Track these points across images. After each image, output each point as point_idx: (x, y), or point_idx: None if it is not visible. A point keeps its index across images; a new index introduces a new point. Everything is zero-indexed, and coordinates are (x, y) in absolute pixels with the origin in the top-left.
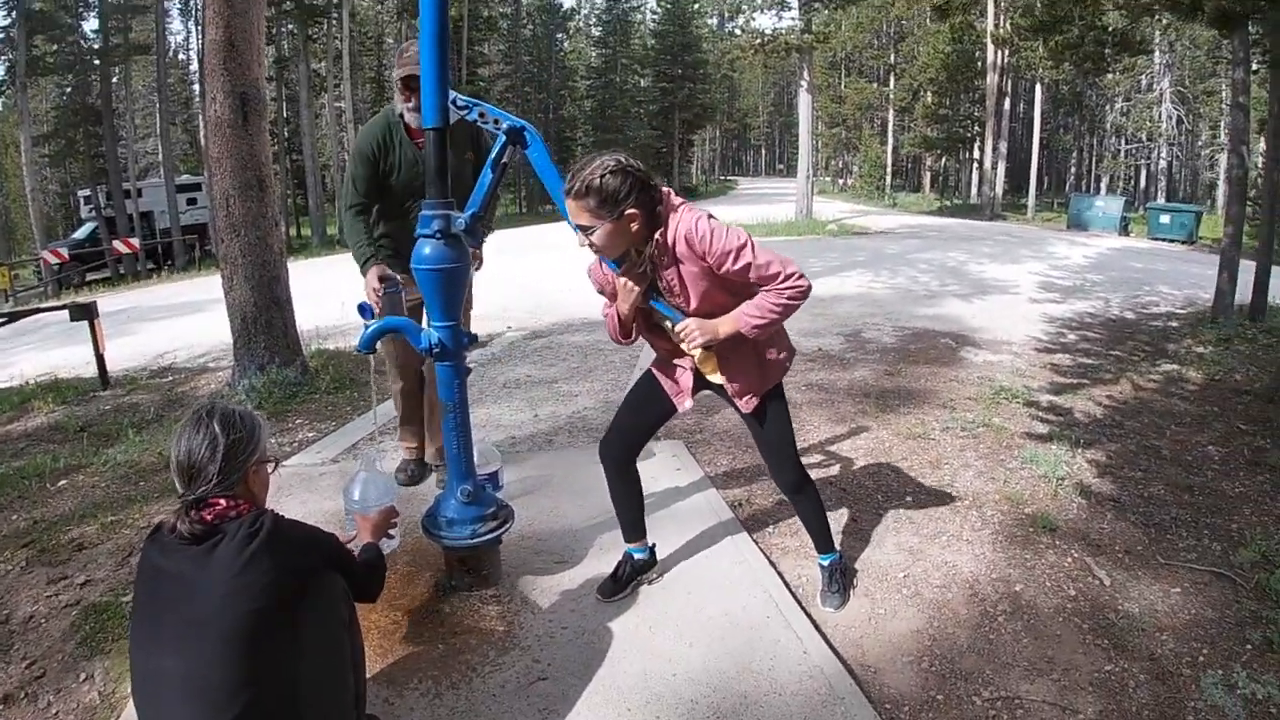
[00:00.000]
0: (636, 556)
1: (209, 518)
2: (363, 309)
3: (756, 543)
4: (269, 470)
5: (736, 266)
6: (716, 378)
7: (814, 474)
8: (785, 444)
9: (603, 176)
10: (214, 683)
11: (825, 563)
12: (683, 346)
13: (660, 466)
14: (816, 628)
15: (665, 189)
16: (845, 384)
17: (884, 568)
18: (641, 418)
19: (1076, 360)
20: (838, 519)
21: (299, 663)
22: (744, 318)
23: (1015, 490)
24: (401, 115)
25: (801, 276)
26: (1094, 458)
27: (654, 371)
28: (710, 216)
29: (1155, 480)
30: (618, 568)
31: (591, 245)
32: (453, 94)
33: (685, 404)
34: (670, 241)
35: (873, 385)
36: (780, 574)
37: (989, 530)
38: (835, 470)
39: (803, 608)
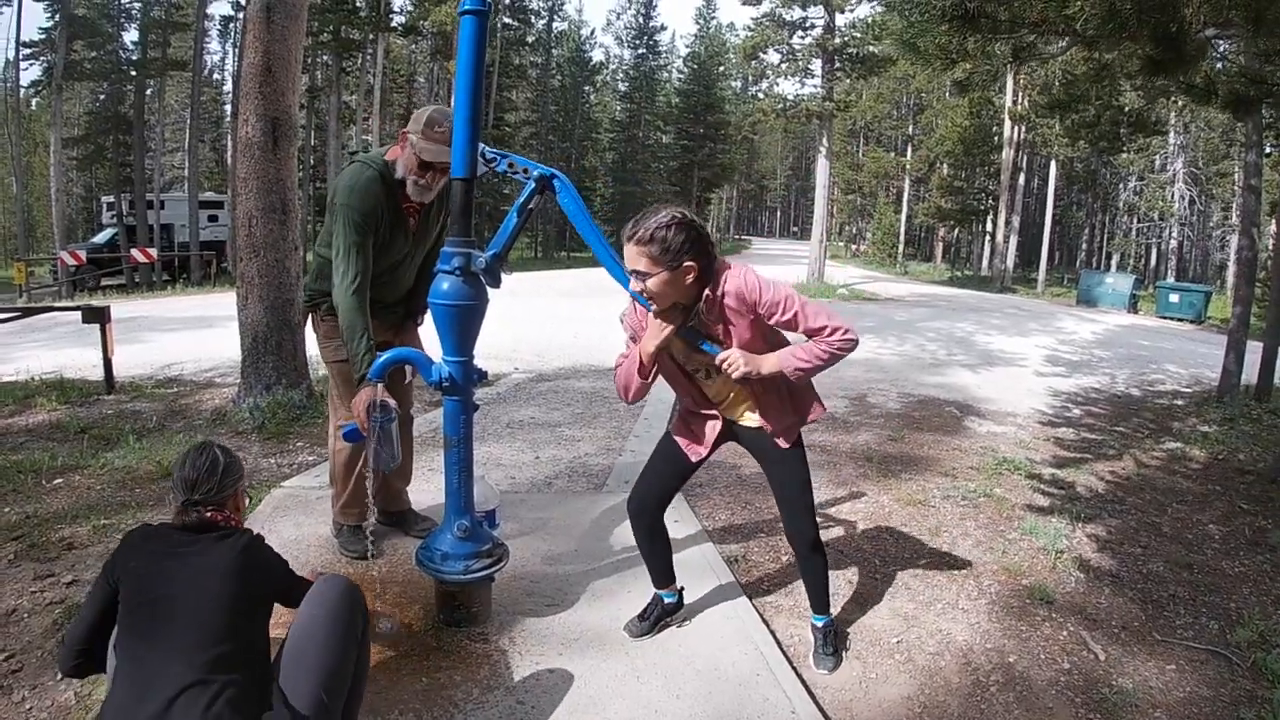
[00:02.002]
0: (666, 600)
1: (217, 518)
2: (350, 434)
3: (750, 599)
4: (244, 498)
5: (786, 317)
6: (752, 419)
7: None
8: (806, 494)
9: (668, 228)
10: (211, 624)
11: (819, 624)
12: (710, 385)
13: None
14: (806, 688)
15: None
16: (848, 447)
17: (878, 632)
18: (667, 475)
19: (1080, 435)
20: (834, 581)
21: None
22: (790, 359)
23: (1014, 561)
24: (402, 182)
25: (849, 330)
26: (1094, 532)
27: (672, 431)
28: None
29: (1155, 557)
30: (647, 609)
31: (644, 291)
32: (483, 147)
33: (700, 453)
34: (720, 296)
35: (875, 450)
36: (773, 632)
37: (985, 600)
38: (834, 532)
39: (793, 667)
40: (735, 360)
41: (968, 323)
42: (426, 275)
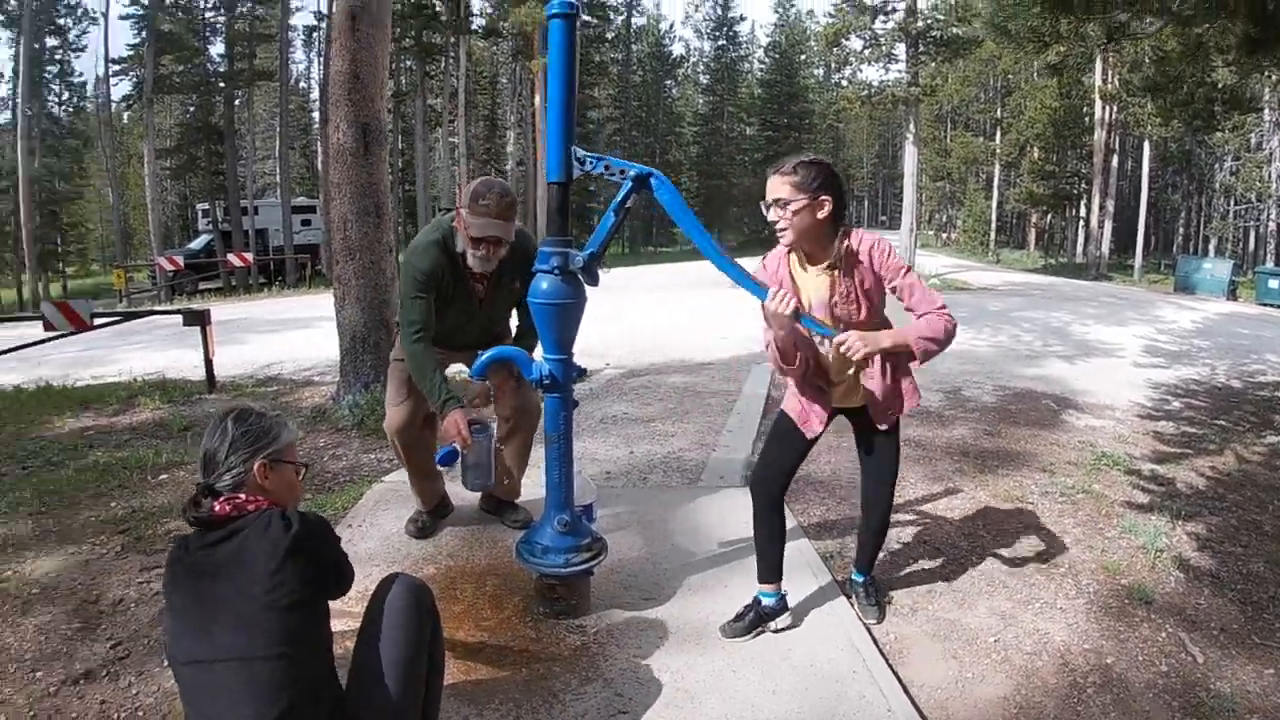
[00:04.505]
0: (765, 601)
1: (225, 510)
2: (445, 457)
3: (847, 596)
4: (290, 474)
5: (905, 281)
6: (855, 400)
7: (908, 530)
8: (893, 473)
9: (810, 164)
10: (264, 678)
11: (861, 579)
12: (830, 363)
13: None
14: (903, 686)
15: None
16: (943, 442)
17: (974, 631)
18: (784, 454)
19: (1180, 429)
20: (930, 577)
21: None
22: (914, 333)
23: (1113, 560)
24: (464, 254)
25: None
26: (1194, 530)
27: (785, 408)
28: None
29: (1256, 557)
30: (745, 610)
31: (781, 222)
32: (576, 150)
33: (815, 429)
34: (857, 246)
35: (971, 444)
36: (868, 628)
37: (1084, 599)
38: (930, 528)
39: (890, 665)
40: (853, 343)
41: (1063, 312)
42: (502, 333)
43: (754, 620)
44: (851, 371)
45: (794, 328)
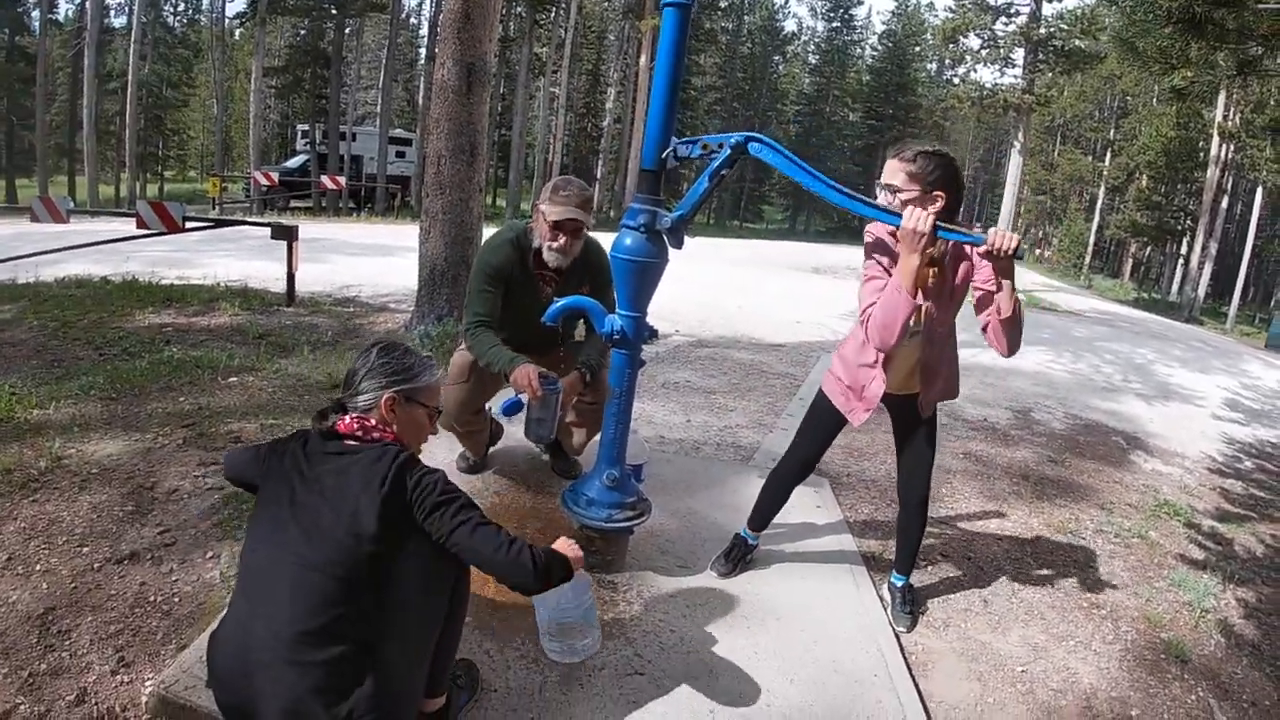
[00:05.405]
0: (750, 541)
1: (350, 427)
2: (510, 407)
3: (881, 599)
4: (421, 415)
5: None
6: (909, 388)
7: (954, 544)
8: (930, 461)
9: (931, 155)
10: (315, 586)
11: (899, 584)
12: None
13: (801, 500)
14: (921, 700)
15: None
16: (1005, 461)
17: (1003, 657)
18: (815, 443)
19: (1249, 490)
20: (968, 595)
21: (394, 598)
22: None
23: (1156, 611)
24: (539, 249)
25: None
26: (1244, 596)
27: (825, 389)
28: None
29: None
30: (730, 548)
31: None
32: (673, 142)
33: (861, 416)
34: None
35: (1033, 469)
36: (897, 635)
37: (1119, 646)
38: (976, 546)
39: (912, 676)
40: (1006, 237)
41: (1149, 349)
42: (567, 339)
43: (739, 555)
44: (913, 360)
45: (928, 253)
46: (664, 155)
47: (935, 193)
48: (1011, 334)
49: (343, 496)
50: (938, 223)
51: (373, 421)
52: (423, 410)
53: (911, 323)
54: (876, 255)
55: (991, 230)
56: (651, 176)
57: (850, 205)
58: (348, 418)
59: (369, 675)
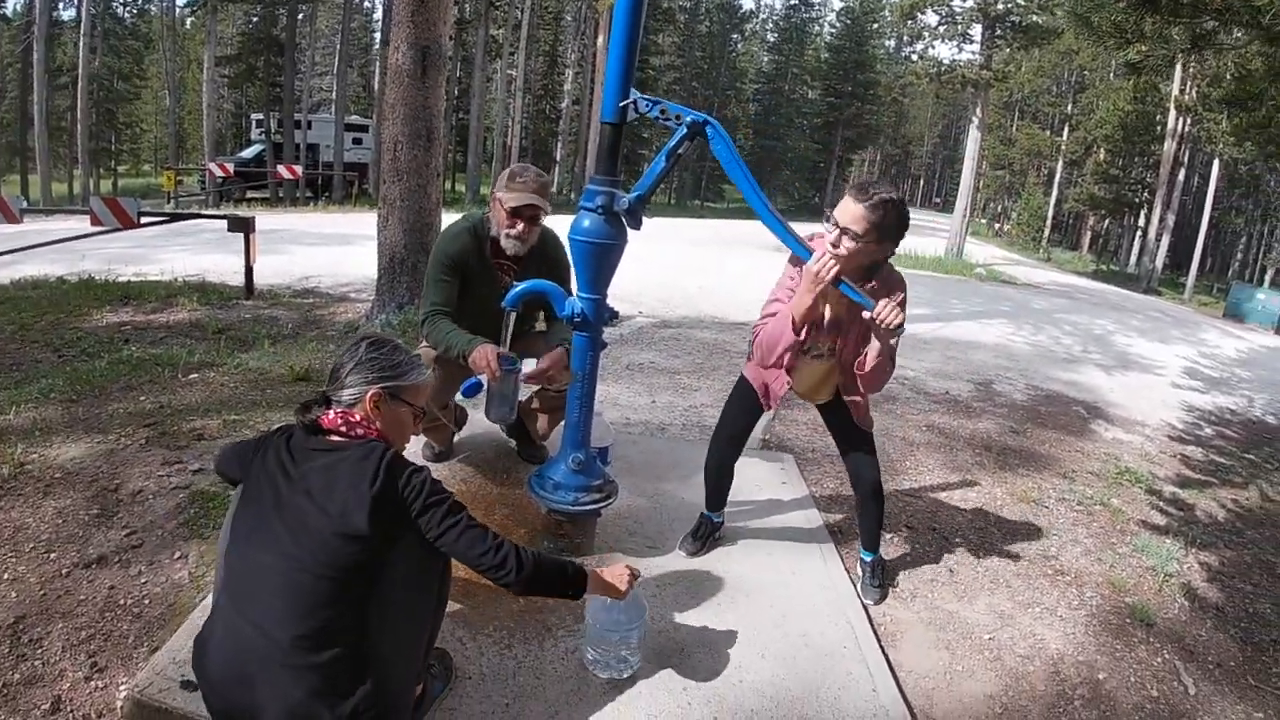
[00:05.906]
0: (715, 520)
1: (334, 422)
2: (470, 388)
3: (848, 572)
4: (405, 414)
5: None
6: (822, 396)
7: (919, 516)
8: (872, 454)
9: (897, 205)
10: (306, 588)
11: (868, 559)
12: (810, 366)
13: (767, 476)
14: (891, 670)
15: None
16: (967, 433)
17: (971, 625)
18: (739, 422)
19: (1209, 456)
20: (934, 565)
21: (386, 596)
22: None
23: (1120, 576)
24: (496, 238)
25: None
26: (1206, 560)
27: (746, 374)
28: None
29: (1264, 598)
30: (698, 527)
31: (841, 249)
32: (634, 93)
33: (773, 406)
34: (883, 282)
35: (995, 440)
36: (866, 608)
37: (1085, 611)
38: (941, 517)
39: (881, 646)
40: (893, 310)
41: (1108, 320)
42: (528, 329)
43: (706, 534)
44: (818, 381)
45: (825, 296)
46: (624, 105)
47: (888, 244)
48: (868, 383)
49: (330, 495)
50: (840, 277)
51: (357, 417)
52: (407, 409)
53: (808, 347)
54: (792, 274)
55: (882, 301)
56: (612, 130)
57: (771, 224)
58: (331, 412)
59: (368, 674)
